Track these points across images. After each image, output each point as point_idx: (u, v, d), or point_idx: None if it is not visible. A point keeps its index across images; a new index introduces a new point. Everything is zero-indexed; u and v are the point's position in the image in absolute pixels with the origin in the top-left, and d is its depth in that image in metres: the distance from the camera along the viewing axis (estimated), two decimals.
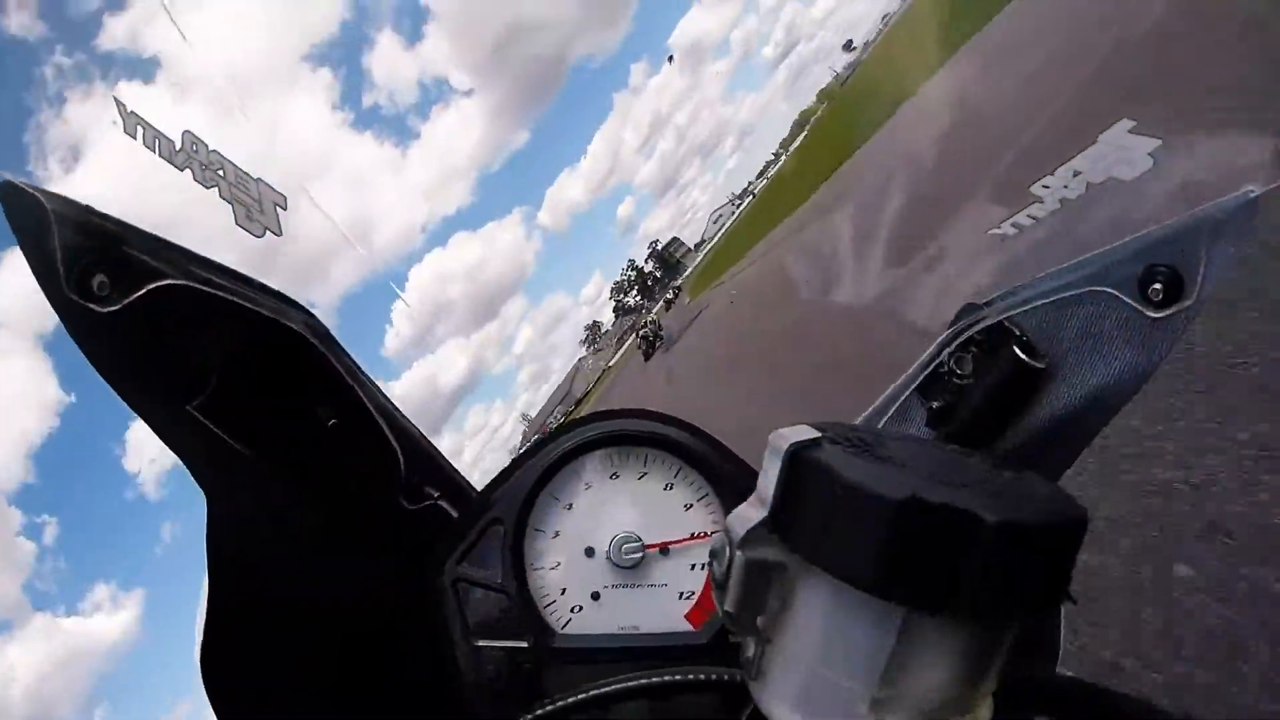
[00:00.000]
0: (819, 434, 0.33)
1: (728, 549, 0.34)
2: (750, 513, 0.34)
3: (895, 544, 0.28)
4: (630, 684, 0.47)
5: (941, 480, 0.29)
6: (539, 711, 0.48)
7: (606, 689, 0.47)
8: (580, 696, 0.48)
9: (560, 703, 0.48)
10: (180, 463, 0.50)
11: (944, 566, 0.28)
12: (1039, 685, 0.37)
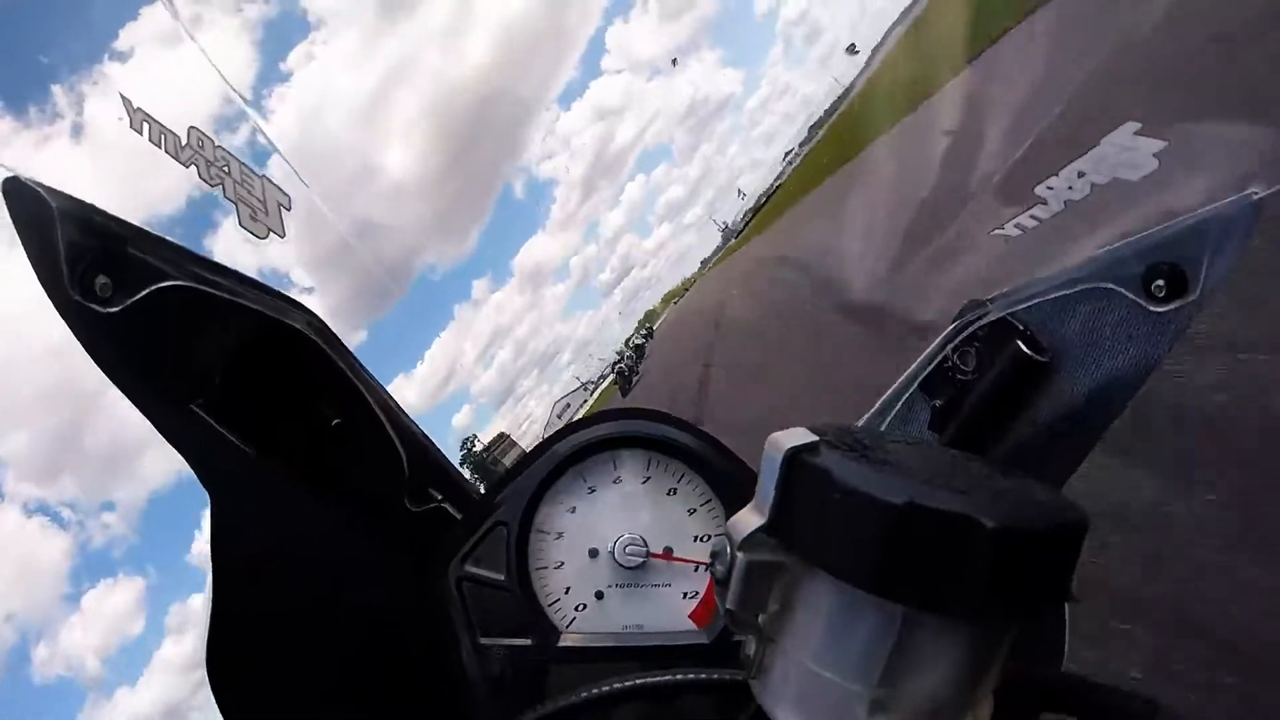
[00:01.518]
0: (816, 437, 0.33)
1: (728, 549, 0.34)
2: (750, 517, 0.34)
3: (895, 546, 0.28)
4: (631, 684, 0.47)
5: (941, 485, 0.29)
6: (539, 713, 0.48)
7: (608, 689, 0.47)
8: (582, 697, 0.47)
9: (561, 704, 0.48)
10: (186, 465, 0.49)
11: (943, 569, 0.27)
12: (1041, 682, 0.37)
